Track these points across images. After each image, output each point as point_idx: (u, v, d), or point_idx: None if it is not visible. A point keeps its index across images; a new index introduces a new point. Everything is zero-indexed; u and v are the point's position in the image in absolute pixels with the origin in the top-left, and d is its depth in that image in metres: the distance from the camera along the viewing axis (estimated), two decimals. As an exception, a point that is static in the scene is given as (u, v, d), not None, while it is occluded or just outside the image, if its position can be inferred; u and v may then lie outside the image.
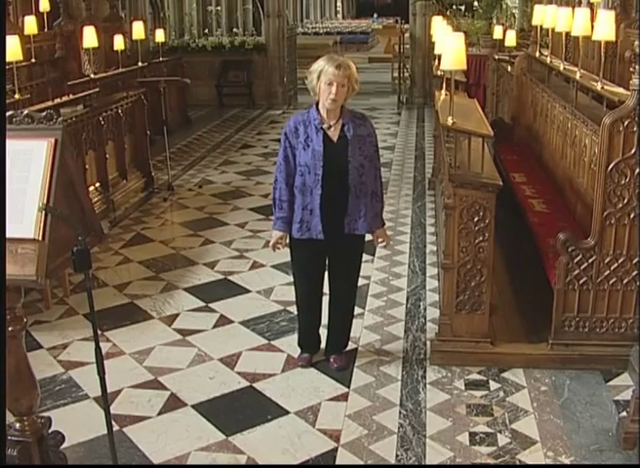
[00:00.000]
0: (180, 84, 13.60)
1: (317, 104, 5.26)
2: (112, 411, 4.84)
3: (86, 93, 9.91)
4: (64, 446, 4.11)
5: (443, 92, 8.17)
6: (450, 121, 5.89)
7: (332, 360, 5.74)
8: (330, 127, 5.25)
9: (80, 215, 3.82)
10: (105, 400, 3.88)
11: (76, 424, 4.95)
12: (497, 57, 13.25)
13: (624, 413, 4.95)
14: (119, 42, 12.32)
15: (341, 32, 35.69)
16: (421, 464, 4.56)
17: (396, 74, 20.10)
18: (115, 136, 10.13)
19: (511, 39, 12.64)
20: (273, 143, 14.30)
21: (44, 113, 3.68)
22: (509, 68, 11.60)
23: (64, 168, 3.62)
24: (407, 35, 19.42)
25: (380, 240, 5.62)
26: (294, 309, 6.60)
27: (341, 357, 5.75)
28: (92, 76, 11.30)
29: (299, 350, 5.85)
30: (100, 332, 6.00)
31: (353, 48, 33.80)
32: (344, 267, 5.61)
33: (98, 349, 3.74)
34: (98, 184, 9.53)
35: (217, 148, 14.10)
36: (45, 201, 3.45)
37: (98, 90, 10.32)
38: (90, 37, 10.98)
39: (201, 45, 19.08)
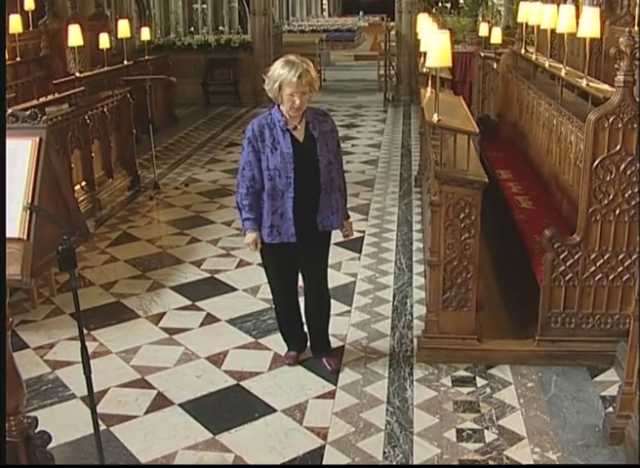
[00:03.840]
0: (165, 82, 13.57)
1: (278, 105, 5.18)
2: (99, 411, 4.85)
3: (71, 91, 9.86)
4: (51, 445, 4.10)
5: (429, 89, 8.18)
6: (435, 118, 5.89)
7: (325, 362, 5.70)
8: (295, 127, 5.16)
9: (65, 214, 3.81)
10: (92, 399, 3.87)
11: (63, 424, 4.95)
12: (482, 54, 13.27)
13: (611, 409, 4.97)
14: (105, 40, 12.26)
15: (328, 30, 35.67)
16: (414, 464, 4.55)
17: (382, 72, 20.11)
18: (101, 134, 10.11)
19: (497, 36, 12.65)
20: (260, 141, 14.26)
21: (28, 112, 3.67)
22: (495, 65, 11.64)
23: (49, 167, 3.61)
24: (393, 33, 19.43)
25: (345, 231, 5.59)
26: (279, 308, 6.63)
27: (334, 358, 5.74)
28: (77, 75, 11.24)
29: (285, 348, 5.85)
30: (86, 332, 6.02)
31: (339, 46, 33.77)
32: (317, 264, 5.63)
33: (83, 348, 3.73)
34: (83, 183, 9.50)
35: (203, 146, 14.09)
36: (30, 200, 3.44)
37: (83, 88, 10.26)
38: (75, 35, 10.91)
39: (187, 43, 19.06)
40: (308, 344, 5.88)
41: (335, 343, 5.98)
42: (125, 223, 9.29)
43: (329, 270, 7.39)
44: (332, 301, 6.61)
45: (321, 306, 5.77)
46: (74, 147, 9.24)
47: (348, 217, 5.60)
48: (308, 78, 4.98)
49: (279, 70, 5.01)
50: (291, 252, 5.40)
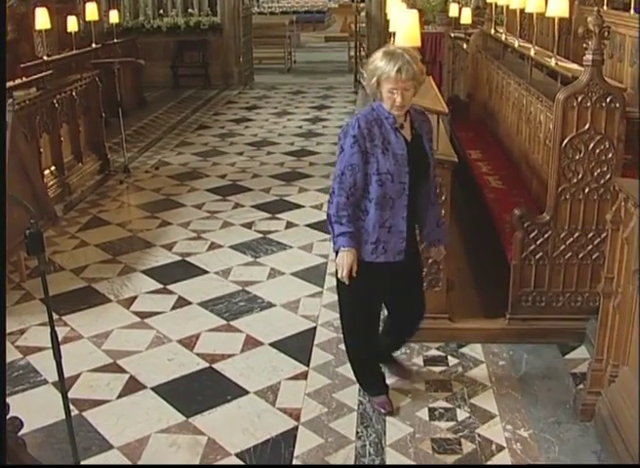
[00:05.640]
0: (134, 65, 13.47)
1: None
2: (71, 396, 4.86)
3: (39, 75, 9.75)
4: (23, 431, 4.07)
5: (398, 69, 8.16)
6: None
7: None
8: (402, 125, 4.43)
9: (32, 198, 3.79)
10: (62, 384, 3.85)
11: (35, 410, 4.92)
12: (452, 34, 13.30)
13: (581, 386, 5.01)
14: (72, 23, 12.13)
15: (298, 11, 35.38)
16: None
17: (352, 53, 20.08)
18: (70, 118, 10.02)
19: (467, 17, 12.68)
20: (230, 124, 14.30)
21: (-7, 95, 3.64)
22: (465, 46, 11.66)
23: (15, 151, 3.59)
24: (363, 14, 19.39)
25: (435, 251, 4.93)
26: (252, 289, 6.67)
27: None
28: (45, 58, 11.16)
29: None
30: (57, 317, 6.01)
31: (309, 27, 33.63)
32: (416, 284, 4.96)
33: (53, 333, 3.71)
34: (53, 168, 9.41)
35: (173, 129, 14.02)
36: (-4, 184, 3.41)
37: (51, 72, 10.15)
38: (42, 19, 10.82)
39: (156, 26, 18.89)
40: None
41: (306, 324, 6.01)
42: (95, 207, 9.24)
43: (300, 252, 7.48)
44: (304, 283, 6.66)
45: (410, 334, 5.14)
46: (43, 131, 9.16)
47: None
48: (410, 73, 4.23)
49: (377, 63, 4.31)
50: (389, 273, 4.60)
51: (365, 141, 4.32)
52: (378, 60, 4.30)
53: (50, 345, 3.80)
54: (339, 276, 4.46)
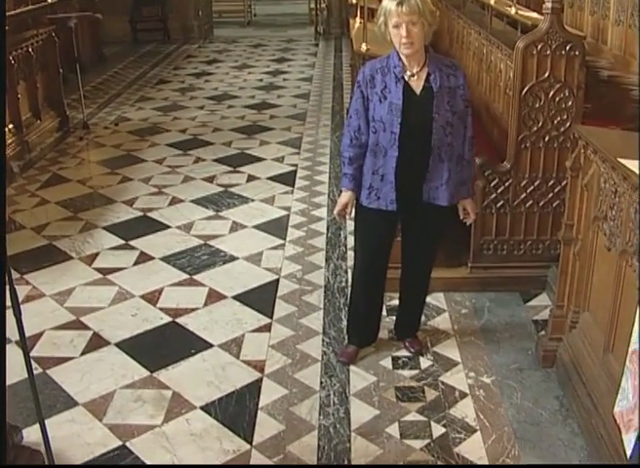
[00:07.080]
0: (91, 19, 13.26)
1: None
2: (35, 354, 4.88)
3: (-6, 31, 9.62)
4: (-14, 391, 4.07)
5: (358, 19, 8.13)
6: (364, 47, 5.86)
7: (407, 344, 5.10)
8: (412, 75, 4.32)
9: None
10: (24, 342, 3.82)
11: (-2, 369, 4.90)
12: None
13: (543, 332, 5.06)
14: (27, -23, 11.94)
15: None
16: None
17: (313, 5, 19.94)
18: (27, 75, 9.88)
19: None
20: (190, 78, 14.18)
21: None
22: (425, -5, 11.58)
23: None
24: (323, -35, 19.25)
25: (465, 212, 4.75)
26: (214, 243, 6.66)
27: (417, 340, 5.13)
28: (-1, 14, 10.95)
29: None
30: (19, 276, 5.98)
31: (270, -21, 33.31)
32: (421, 241, 4.81)
33: (12, 289, 3.68)
34: (11, 126, 9.29)
35: (132, 85, 13.87)
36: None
37: (6, 28, 10.01)
38: (-5, -27, 10.61)
39: (113, -21, 18.63)
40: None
41: (269, 277, 6.01)
42: (55, 165, 9.14)
43: (262, 205, 7.46)
44: (266, 235, 6.66)
45: (419, 290, 5.10)
46: (-1, 89, 9.03)
47: (469, 196, 4.75)
48: (413, 7, 4.10)
49: (383, 3, 4.23)
50: (390, 221, 4.68)
51: (367, 87, 4.36)
52: (385, 1, 4.23)
53: (11, 304, 3.77)
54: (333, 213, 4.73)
